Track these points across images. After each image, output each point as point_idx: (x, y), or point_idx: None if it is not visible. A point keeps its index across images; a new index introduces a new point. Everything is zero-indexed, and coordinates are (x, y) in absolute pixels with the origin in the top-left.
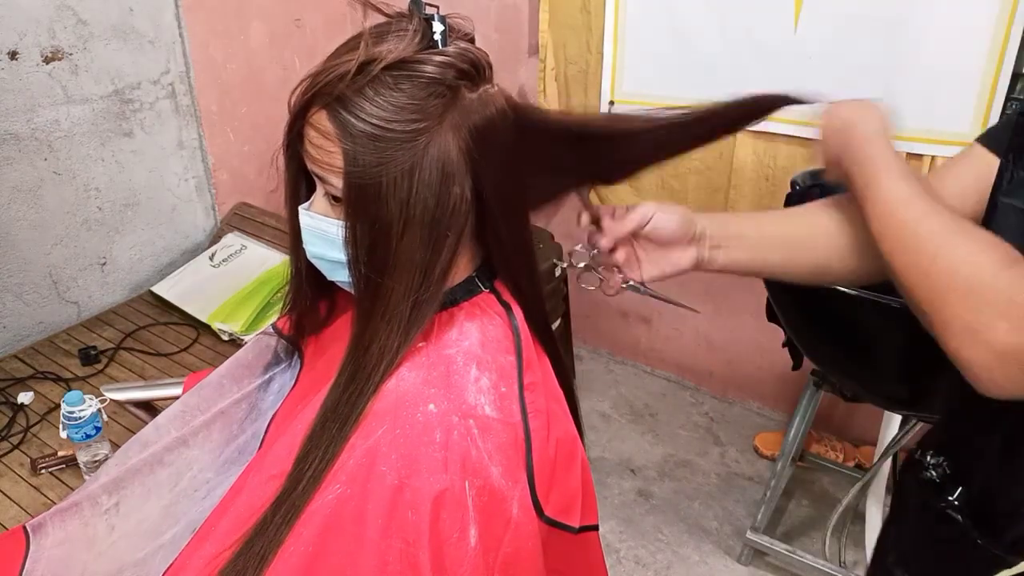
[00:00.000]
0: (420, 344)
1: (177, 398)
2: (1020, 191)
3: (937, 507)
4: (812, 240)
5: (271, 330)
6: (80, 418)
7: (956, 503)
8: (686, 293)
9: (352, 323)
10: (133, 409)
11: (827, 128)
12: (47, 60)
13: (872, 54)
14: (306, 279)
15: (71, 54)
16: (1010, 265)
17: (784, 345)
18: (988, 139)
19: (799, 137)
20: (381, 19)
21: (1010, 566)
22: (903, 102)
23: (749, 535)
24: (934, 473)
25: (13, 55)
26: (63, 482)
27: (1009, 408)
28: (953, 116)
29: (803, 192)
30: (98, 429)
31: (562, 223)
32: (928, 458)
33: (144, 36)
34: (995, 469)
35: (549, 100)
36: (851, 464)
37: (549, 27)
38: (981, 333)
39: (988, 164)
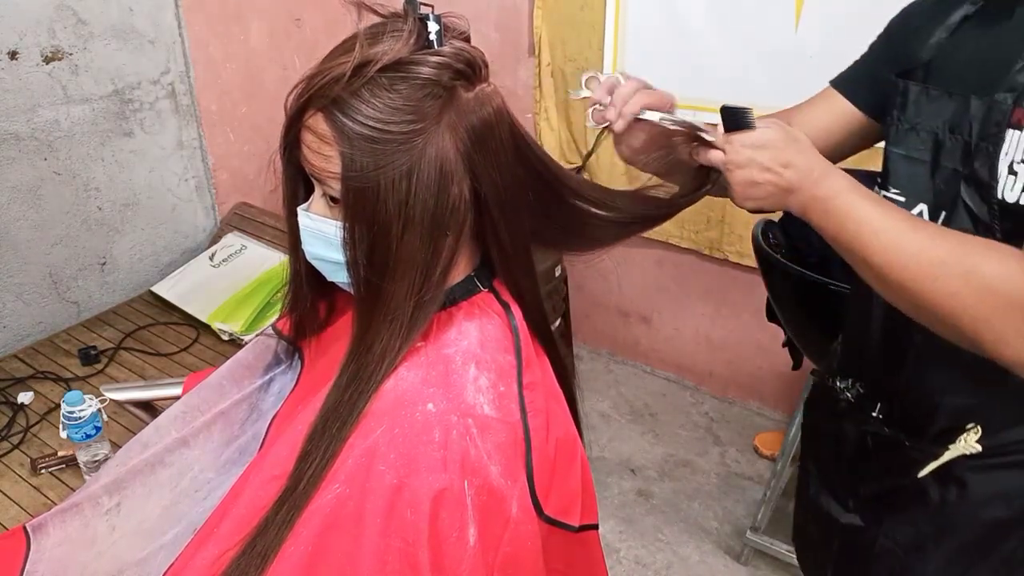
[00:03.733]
0: (419, 344)
1: (177, 398)
2: (905, 140)
3: (860, 426)
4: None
5: (271, 331)
6: (80, 418)
7: (880, 417)
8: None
9: (353, 324)
10: (133, 409)
11: (743, 158)
12: (47, 60)
13: None
14: (305, 280)
15: (71, 54)
16: None
17: (784, 345)
18: (844, 84)
19: None
20: (376, 19)
21: (936, 458)
22: None
23: (749, 535)
24: (850, 395)
25: (13, 55)
26: (63, 482)
27: (918, 328)
28: None
29: None
30: (98, 429)
31: None
32: (839, 383)
33: (144, 36)
34: (909, 381)
35: (545, 96)
36: None
37: (544, 23)
38: None
39: (843, 110)
